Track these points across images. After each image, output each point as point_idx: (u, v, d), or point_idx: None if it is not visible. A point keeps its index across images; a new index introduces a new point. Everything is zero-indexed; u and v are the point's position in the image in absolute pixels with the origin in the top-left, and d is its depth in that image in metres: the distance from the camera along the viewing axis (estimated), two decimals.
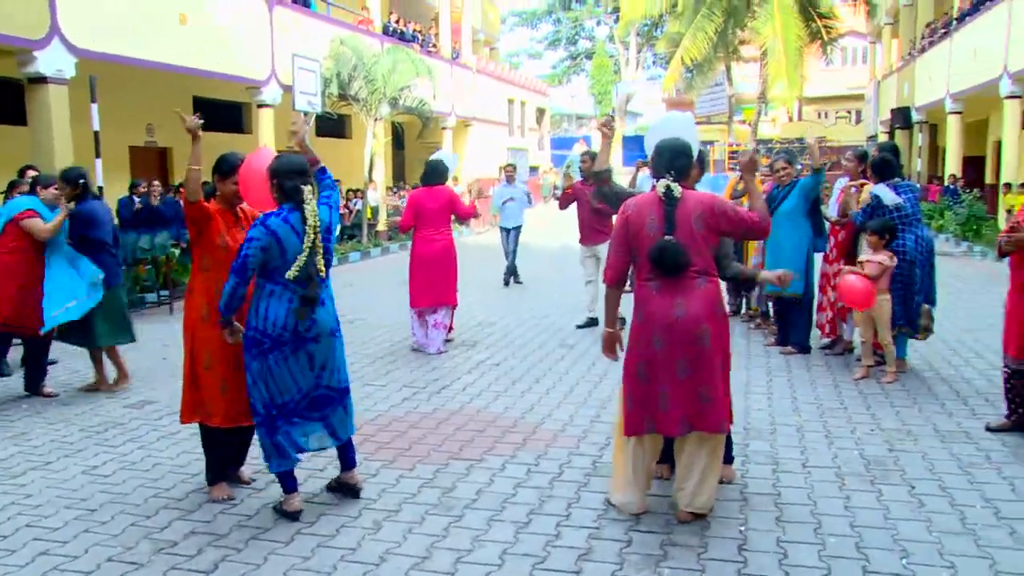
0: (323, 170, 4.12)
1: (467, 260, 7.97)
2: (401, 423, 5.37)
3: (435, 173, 7.58)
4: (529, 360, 7.13)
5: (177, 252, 10.38)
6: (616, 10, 44.49)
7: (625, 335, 3.87)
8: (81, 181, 6.07)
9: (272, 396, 3.83)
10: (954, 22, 20.29)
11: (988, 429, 4.94)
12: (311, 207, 3.79)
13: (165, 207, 10.42)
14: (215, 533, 3.76)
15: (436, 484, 4.31)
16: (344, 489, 4.16)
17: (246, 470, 4.41)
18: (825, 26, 24.95)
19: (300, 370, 3.86)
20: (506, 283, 11.79)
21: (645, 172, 10.36)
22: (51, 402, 6.05)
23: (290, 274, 3.74)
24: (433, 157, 7.97)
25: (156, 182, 10.73)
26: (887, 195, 6.05)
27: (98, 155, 10.56)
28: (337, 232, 4.14)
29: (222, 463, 4.24)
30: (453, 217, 7.68)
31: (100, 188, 10.50)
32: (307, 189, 3.82)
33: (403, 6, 25.04)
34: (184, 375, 4.15)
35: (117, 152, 14.07)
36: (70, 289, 5.98)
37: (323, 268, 3.86)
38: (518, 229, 11.96)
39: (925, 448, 4.66)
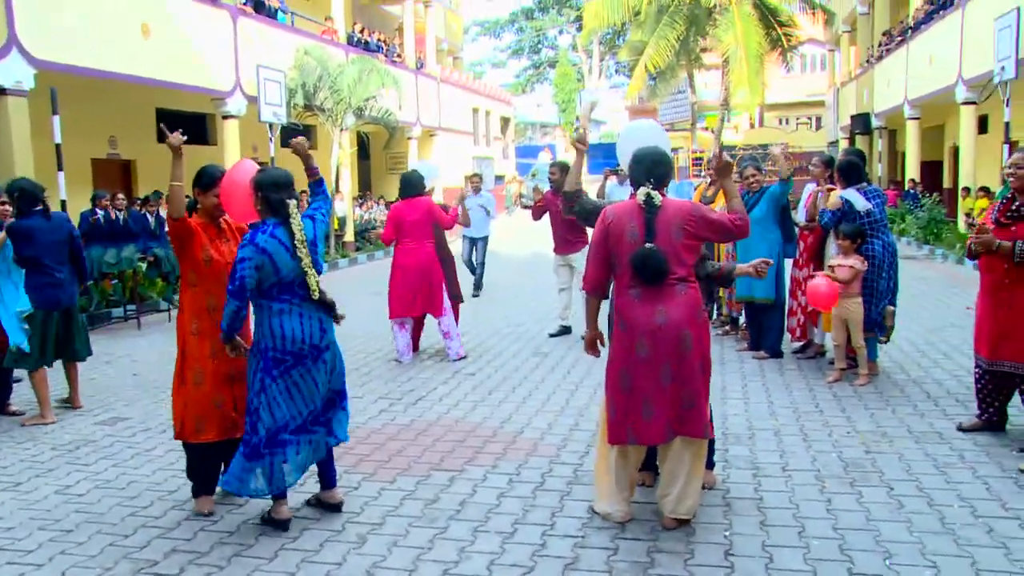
0: (320, 181, 4.11)
1: None
2: (379, 435, 5.33)
3: (411, 185, 7.55)
4: (504, 369, 7.13)
5: (144, 266, 10.22)
6: (578, 19, 44.82)
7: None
8: (15, 195, 5.86)
9: (294, 413, 3.83)
10: (910, 30, 20.73)
11: (960, 429, 5.03)
12: (296, 221, 3.77)
13: (132, 220, 10.24)
14: (196, 551, 3.70)
15: (418, 496, 4.28)
16: (325, 506, 4.12)
17: None
18: (785, 34, 25.34)
19: (321, 378, 3.92)
20: (476, 293, 11.73)
21: (613, 180, 10.46)
22: (17, 420, 5.91)
23: (313, 292, 3.79)
24: (412, 168, 7.94)
25: (120, 195, 10.54)
26: (858, 200, 6.15)
27: (60, 168, 10.40)
28: (323, 245, 4.11)
29: (208, 477, 4.18)
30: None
31: (63, 202, 10.34)
32: (292, 203, 3.79)
33: (367, 16, 24.98)
34: (174, 391, 4.12)
35: (80, 165, 13.83)
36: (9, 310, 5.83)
37: (316, 288, 3.84)
38: (485, 239, 11.93)
39: (900, 449, 4.74)
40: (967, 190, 16.52)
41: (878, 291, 6.25)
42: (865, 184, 6.37)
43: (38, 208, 5.88)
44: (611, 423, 3.79)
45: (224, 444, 4.09)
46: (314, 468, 4.13)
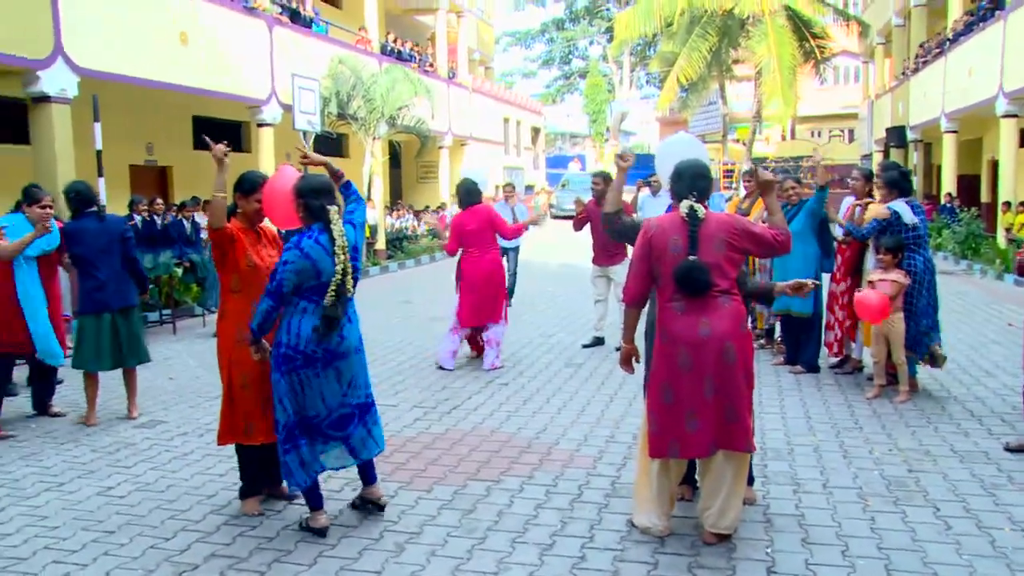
0: (348, 184, 4.13)
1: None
2: (415, 443, 5.33)
3: (469, 194, 7.64)
4: (538, 380, 7.11)
5: (180, 272, 10.33)
6: (609, 30, 44.81)
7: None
8: (71, 196, 5.97)
9: (298, 413, 3.84)
10: (948, 42, 20.48)
11: (1007, 449, 4.93)
12: (338, 228, 3.81)
13: (170, 226, 10.37)
14: (236, 556, 3.72)
15: (455, 506, 4.27)
16: (368, 504, 4.16)
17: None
18: (819, 46, 25.15)
19: (329, 387, 3.87)
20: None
21: (646, 192, 10.41)
22: (61, 422, 5.99)
23: (327, 300, 3.74)
24: (465, 176, 7.98)
25: (159, 200, 10.67)
26: (906, 212, 6.06)
27: (100, 174, 10.53)
28: (363, 250, 4.11)
29: (257, 479, 4.25)
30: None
31: (103, 207, 10.46)
32: (333, 209, 3.83)
33: (400, 26, 25.17)
34: (223, 397, 4.14)
35: (118, 170, 14.02)
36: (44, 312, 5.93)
37: (351, 288, 3.85)
38: (516, 250, 11.89)
39: (945, 468, 4.65)
40: (1008, 204, 16.25)
41: (918, 308, 6.15)
42: (912, 199, 6.28)
43: (91, 210, 5.98)
44: (652, 436, 3.76)
45: (273, 446, 4.08)
46: (352, 472, 4.16)
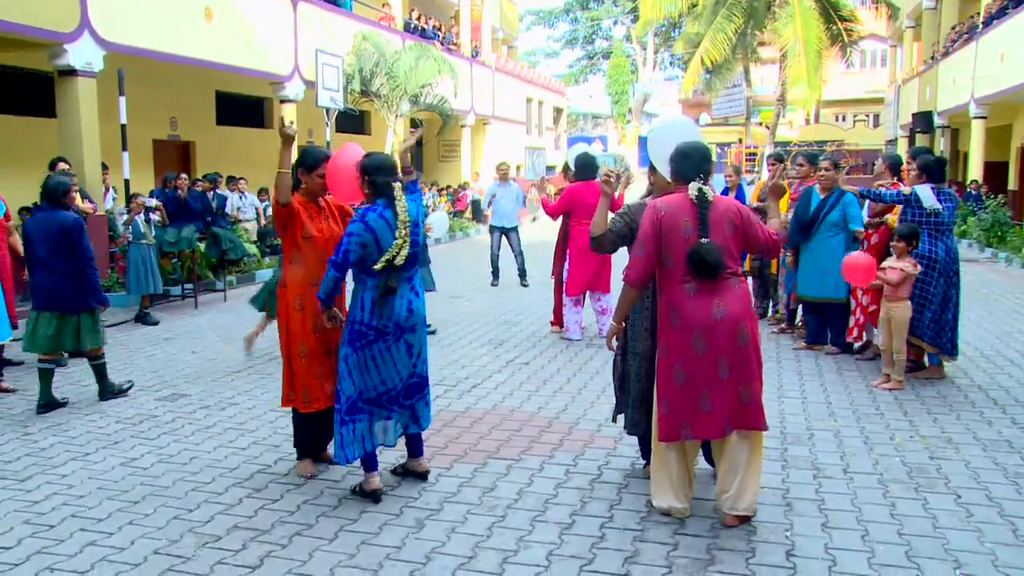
0: (414, 182, 4.20)
1: (475, 258, 8.01)
2: (436, 421, 5.35)
3: (588, 167, 7.86)
4: (559, 360, 7.11)
5: (203, 246, 10.41)
6: (634, 10, 44.40)
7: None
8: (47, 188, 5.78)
9: (367, 386, 3.99)
10: (980, 26, 20.11)
11: None
12: (402, 203, 3.95)
13: (192, 200, 10.43)
14: (258, 528, 3.76)
15: (475, 484, 4.29)
16: (411, 475, 4.33)
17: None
18: (846, 29, 24.81)
19: (400, 359, 4.05)
20: (494, 283, 11.73)
21: None
22: (86, 392, 6.07)
23: (378, 266, 3.90)
24: (579, 152, 8.15)
25: (184, 175, 10.72)
26: (928, 197, 5.99)
27: (125, 148, 10.62)
28: (423, 226, 4.31)
29: (313, 443, 4.46)
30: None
31: (127, 181, 10.57)
32: (397, 186, 3.98)
33: (424, 3, 25.04)
34: (284, 365, 4.30)
35: (141, 145, 14.13)
36: None
37: (404, 258, 3.96)
38: (516, 229, 11.80)
39: (967, 456, 4.61)
40: None
41: (932, 295, 6.06)
42: (943, 185, 6.20)
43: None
44: (663, 419, 3.76)
45: (328, 412, 4.26)
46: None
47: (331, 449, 4.50)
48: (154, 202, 9.78)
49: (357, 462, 4.05)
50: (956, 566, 3.35)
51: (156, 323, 8.76)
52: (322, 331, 4.19)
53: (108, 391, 5.92)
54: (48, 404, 5.65)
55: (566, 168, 8.73)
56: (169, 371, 6.74)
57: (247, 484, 4.30)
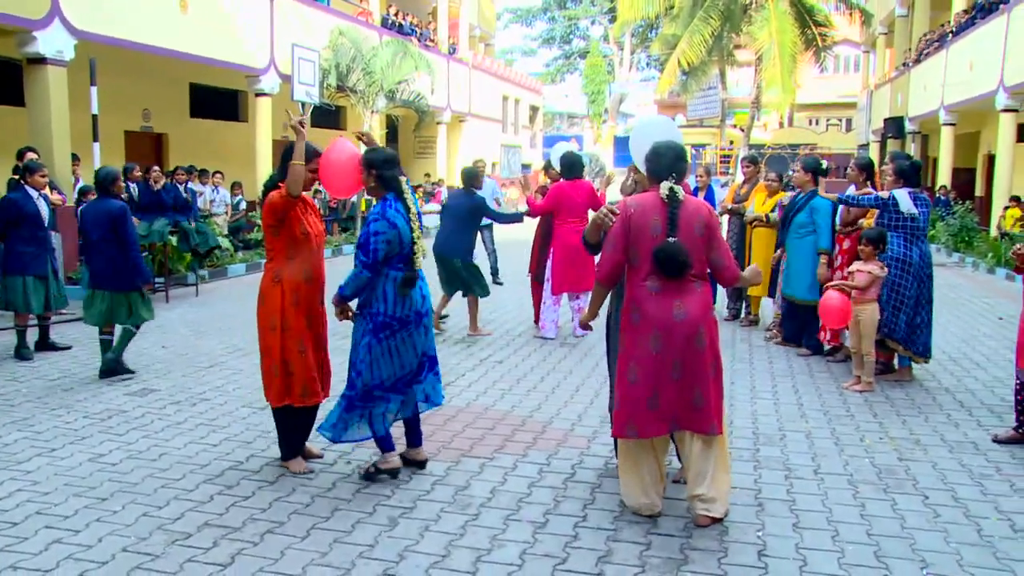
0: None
1: None
2: None
3: (574, 166, 7.90)
4: (532, 358, 7.12)
5: (175, 239, 10.28)
6: (611, 10, 44.54)
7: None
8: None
9: (387, 374, 4.12)
10: (950, 35, 20.42)
11: (995, 440, 4.97)
12: (409, 196, 4.09)
13: (164, 193, 10.29)
14: (229, 526, 3.72)
15: (449, 482, 4.28)
16: (411, 464, 4.42)
17: (313, 446, 4.62)
18: (820, 33, 25.13)
19: (420, 340, 4.24)
20: (497, 282, 11.70)
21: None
22: (53, 387, 5.98)
23: (416, 264, 4.11)
24: (564, 151, 8.21)
25: (156, 167, 10.58)
26: (905, 201, 6.06)
27: (96, 139, 10.47)
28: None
29: (300, 439, 4.46)
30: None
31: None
32: (403, 179, 4.09)
33: None
34: (275, 363, 4.26)
35: (113, 136, 13.92)
36: None
37: (423, 250, 4.19)
38: (490, 227, 11.75)
39: (935, 458, 4.68)
40: (1016, 199, 16.05)
41: (907, 298, 6.13)
42: (918, 190, 6.28)
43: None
44: (616, 415, 3.81)
45: (314, 407, 4.44)
46: (348, 446, 4.21)
47: (311, 445, 4.57)
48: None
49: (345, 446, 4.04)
50: (923, 566, 3.40)
51: None
52: (314, 324, 4.32)
53: (113, 369, 6.32)
54: (109, 371, 6.22)
55: (547, 166, 8.74)
56: (139, 365, 6.64)
57: (218, 481, 4.25)
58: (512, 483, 4.27)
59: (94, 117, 10.33)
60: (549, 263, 7.92)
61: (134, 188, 10.66)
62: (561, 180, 7.97)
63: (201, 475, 4.33)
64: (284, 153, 4.32)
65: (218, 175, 13.51)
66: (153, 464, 4.49)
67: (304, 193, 4.33)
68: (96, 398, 5.73)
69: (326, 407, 4.53)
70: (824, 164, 7.51)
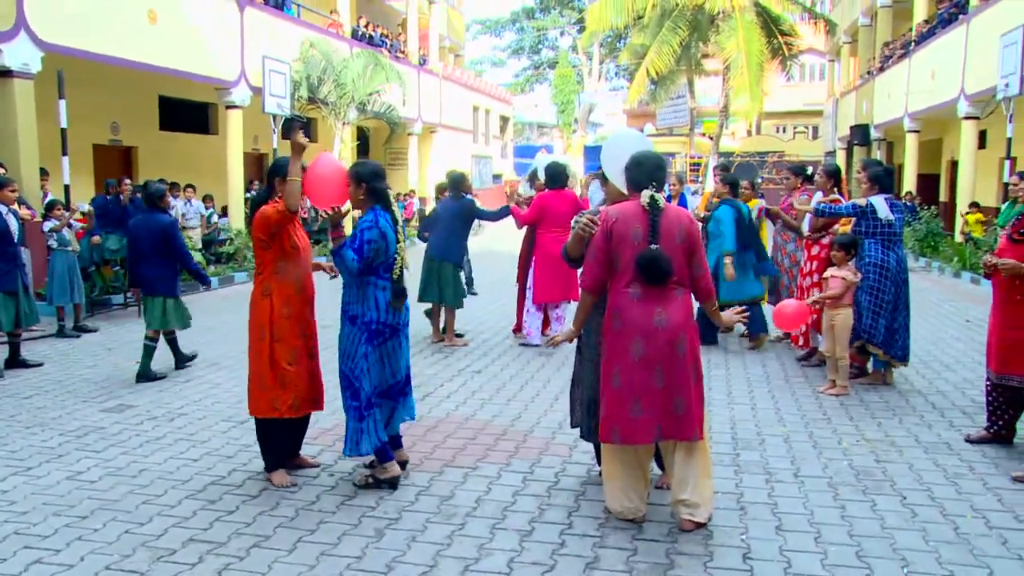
0: None
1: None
2: None
3: (558, 176, 7.97)
4: (511, 368, 7.14)
5: None
6: (580, 21, 44.80)
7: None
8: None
9: (382, 380, 4.23)
10: (913, 43, 20.83)
11: (968, 440, 5.07)
12: (396, 208, 4.20)
13: (132, 207, 10.18)
14: (214, 541, 3.69)
15: (433, 492, 4.28)
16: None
17: (307, 456, 4.70)
18: (786, 43, 25.45)
19: (404, 352, 4.35)
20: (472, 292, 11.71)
21: (596, 183, 10.64)
22: (25, 405, 5.89)
23: (395, 273, 4.20)
24: (548, 161, 8.35)
25: (127, 180, 10.46)
26: (882, 208, 6.16)
27: (65, 152, 10.34)
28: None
29: (284, 451, 4.50)
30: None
31: (67, 187, 10.29)
32: (391, 192, 4.21)
33: (371, 11, 24.93)
34: (262, 374, 4.30)
35: (82, 150, 13.75)
36: None
37: (407, 261, 4.34)
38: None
39: (910, 459, 4.77)
40: (976, 205, 16.35)
41: (886, 303, 6.23)
42: (893, 196, 6.40)
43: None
44: (602, 420, 3.84)
45: (305, 418, 4.53)
46: (329, 457, 4.18)
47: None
48: (86, 207, 9.56)
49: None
50: (904, 565, 3.46)
51: (78, 336, 8.47)
52: (306, 336, 4.41)
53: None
54: (145, 376, 6.60)
55: (533, 176, 8.77)
56: (113, 381, 6.57)
57: (200, 496, 4.21)
58: (496, 492, 4.28)
59: (63, 131, 10.20)
60: (531, 271, 7.97)
61: (105, 201, 10.53)
62: (545, 190, 8.04)
63: (183, 490, 4.29)
64: (271, 169, 4.40)
65: (189, 189, 13.40)
66: (133, 481, 4.44)
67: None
68: (71, 415, 5.66)
69: (324, 420, 4.52)
70: (809, 170, 7.79)
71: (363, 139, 21.97)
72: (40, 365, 7.10)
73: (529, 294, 8.04)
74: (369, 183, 4.18)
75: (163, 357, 7.00)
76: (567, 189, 8.06)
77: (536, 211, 7.92)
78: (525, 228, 8.20)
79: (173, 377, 6.73)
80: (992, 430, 5.03)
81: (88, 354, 7.66)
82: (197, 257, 11.73)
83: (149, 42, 12.47)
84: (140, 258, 6.82)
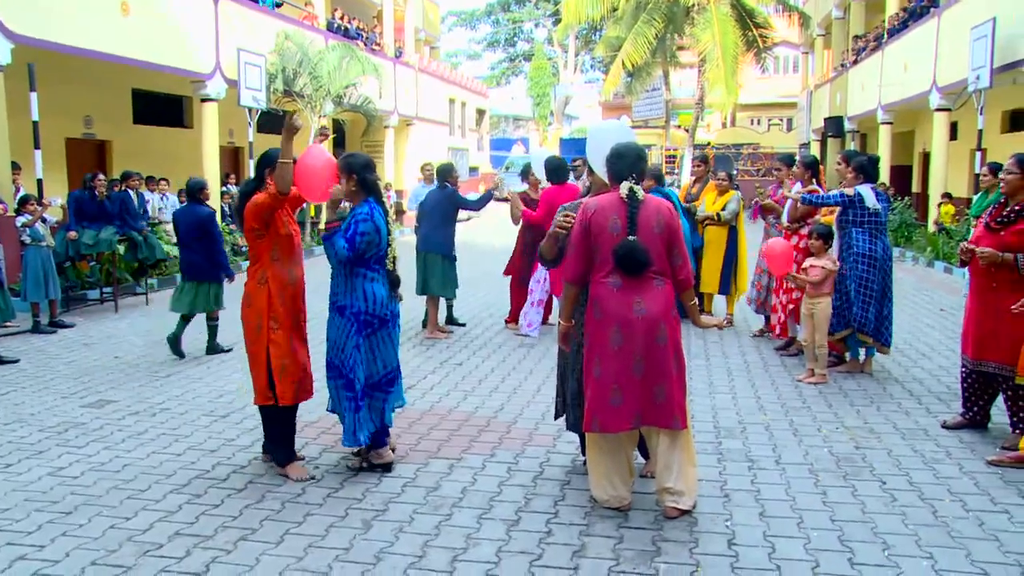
0: None
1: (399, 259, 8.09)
2: None
3: (560, 170, 7.96)
4: (492, 359, 7.16)
5: (123, 249, 10.07)
6: (555, 13, 44.79)
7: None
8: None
9: (373, 371, 4.29)
10: (885, 36, 21.04)
11: (944, 426, 5.17)
12: (386, 200, 4.25)
13: (109, 201, 10.06)
14: (201, 535, 3.68)
15: (419, 483, 4.30)
16: (377, 466, 4.48)
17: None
18: (761, 35, 25.60)
19: (393, 344, 4.38)
20: None
21: (507, 173, 10.73)
22: (2, 401, 5.82)
23: (389, 264, 4.28)
24: (548, 156, 8.31)
25: (102, 176, 10.32)
26: (869, 197, 6.23)
27: (37, 146, 10.20)
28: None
29: (292, 440, 4.51)
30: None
31: (39, 181, 10.15)
32: (382, 184, 4.19)
33: (346, 3, 24.76)
34: (262, 362, 4.31)
35: (54, 144, 13.54)
36: None
37: (395, 255, 4.38)
38: None
39: (889, 445, 4.85)
40: (948, 195, 16.59)
41: (875, 291, 6.30)
42: (876, 185, 6.47)
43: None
44: (585, 410, 3.87)
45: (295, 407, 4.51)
46: (316, 449, 4.17)
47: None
48: (59, 201, 9.45)
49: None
50: (885, 548, 3.53)
51: (53, 332, 8.34)
52: (299, 324, 4.44)
53: (214, 349, 7.33)
54: (213, 350, 7.30)
55: (526, 172, 8.75)
56: (93, 377, 6.51)
57: (185, 490, 4.20)
58: (482, 483, 4.30)
59: (35, 124, 10.06)
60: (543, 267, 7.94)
61: (81, 196, 10.38)
62: (550, 185, 8.02)
63: (167, 485, 4.27)
64: (261, 160, 4.37)
65: (164, 182, 13.25)
66: (116, 476, 4.41)
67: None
68: (50, 411, 5.60)
69: (307, 413, 4.50)
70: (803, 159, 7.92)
71: (340, 132, 21.83)
72: (16, 361, 7.02)
73: (535, 287, 8.09)
74: (360, 174, 4.22)
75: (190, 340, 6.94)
76: (570, 183, 8.05)
77: (546, 208, 7.84)
78: (520, 223, 8.20)
79: (152, 372, 6.68)
80: (967, 416, 5.12)
81: (65, 349, 7.58)
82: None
83: (122, 34, 12.29)
84: (182, 246, 7.34)
